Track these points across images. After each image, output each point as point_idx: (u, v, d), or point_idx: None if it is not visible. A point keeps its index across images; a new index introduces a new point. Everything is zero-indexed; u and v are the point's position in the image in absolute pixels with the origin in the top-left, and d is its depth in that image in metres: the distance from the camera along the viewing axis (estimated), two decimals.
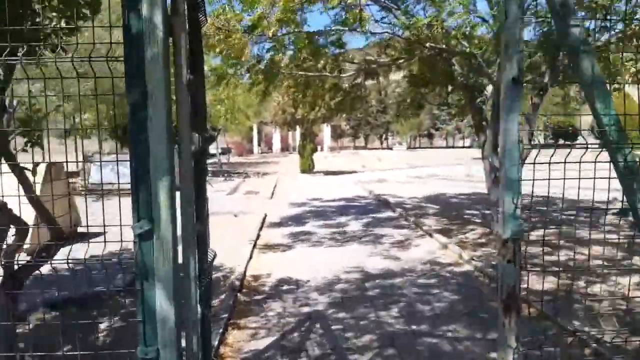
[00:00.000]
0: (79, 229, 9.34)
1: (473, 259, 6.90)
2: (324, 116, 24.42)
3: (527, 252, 2.21)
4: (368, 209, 12.27)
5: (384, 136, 65.12)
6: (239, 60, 7.59)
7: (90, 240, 2.12)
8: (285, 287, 5.92)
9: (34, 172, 4.53)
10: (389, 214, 11.53)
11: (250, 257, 7.28)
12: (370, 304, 5.30)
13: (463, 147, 60.94)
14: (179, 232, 1.87)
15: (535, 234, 8.15)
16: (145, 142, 1.71)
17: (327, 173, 24.25)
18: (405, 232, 9.35)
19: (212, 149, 33.39)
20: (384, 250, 7.80)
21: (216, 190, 16.74)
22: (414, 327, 4.68)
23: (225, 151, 37.48)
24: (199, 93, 2.35)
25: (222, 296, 5.42)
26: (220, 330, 4.33)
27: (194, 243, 2.26)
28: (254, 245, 8.11)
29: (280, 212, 11.92)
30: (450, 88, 10.62)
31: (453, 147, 61.75)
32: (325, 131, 51.48)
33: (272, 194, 15.49)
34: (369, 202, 13.57)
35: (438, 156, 39.52)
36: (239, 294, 5.55)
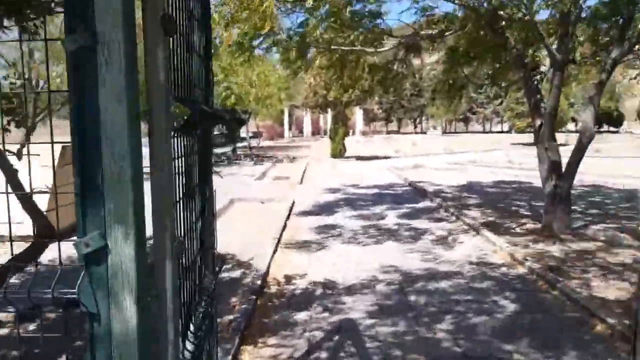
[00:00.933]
0: None
1: (527, 259, 6.02)
2: (357, 98, 23.47)
3: None
4: (404, 198, 11.41)
5: (417, 120, 63.44)
6: (265, 32, 6.79)
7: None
8: (313, 291, 5.21)
9: (18, 156, 3.93)
10: (426, 204, 10.64)
11: (275, 252, 6.59)
12: (413, 314, 4.52)
13: (501, 131, 58.67)
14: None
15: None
16: (93, 112, 1.01)
17: (359, 158, 23.38)
18: (447, 225, 8.48)
19: (243, 132, 32.95)
20: (424, 248, 6.97)
21: (245, 174, 16.19)
22: (467, 345, 3.89)
23: (256, 135, 37.03)
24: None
25: (237, 300, 4.75)
26: (232, 350, 3.65)
27: (172, 266, 1.50)
28: (280, 238, 7.43)
29: (309, 199, 11.21)
30: (497, 66, 9.58)
31: (490, 131, 59.52)
32: (358, 115, 50.35)
33: (302, 179, 14.80)
34: (405, 190, 12.69)
35: (475, 141, 37.91)
36: (259, 299, 4.87)
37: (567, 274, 5.64)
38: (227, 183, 14.15)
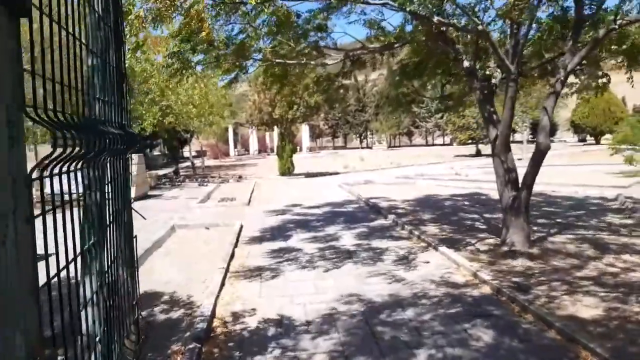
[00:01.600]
0: None
1: (492, 278, 5.68)
2: (303, 115, 23.13)
3: None
4: (358, 216, 10.99)
5: (362, 135, 64.26)
6: (203, 38, 6.17)
7: None
8: (266, 331, 4.57)
9: None
10: (381, 221, 10.27)
11: (222, 285, 5.90)
12: (382, 354, 4.00)
13: (443, 144, 60.45)
14: None
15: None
16: None
17: (308, 175, 22.93)
18: (405, 244, 8.09)
19: (186, 152, 31.65)
20: (385, 270, 6.51)
21: (188, 197, 15.25)
22: None
23: (200, 154, 35.79)
24: None
25: (177, 349, 4.02)
26: None
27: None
28: (227, 268, 6.73)
29: (258, 223, 10.54)
30: (448, 78, 9.45)
31: (433, 144, 61.19)
32: (304, 131, 50.16)
33: (250, 200, 14.08)
34: (358, 208, 12.30)
35: (420, 155, 38.63)
36: (204, 346, 4.17)
37: (536, 292, 5.35)
38: (169, 207, 13.20)
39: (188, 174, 26.54)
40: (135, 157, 15.40)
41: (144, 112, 18.22)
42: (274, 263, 7.07)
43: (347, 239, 8.55)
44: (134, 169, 15.05)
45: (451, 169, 23.60)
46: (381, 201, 12.92)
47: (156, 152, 43.64)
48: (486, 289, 5.59)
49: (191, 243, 8.70)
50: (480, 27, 5.88)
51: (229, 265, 6.90)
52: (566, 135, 61.40)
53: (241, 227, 9.88)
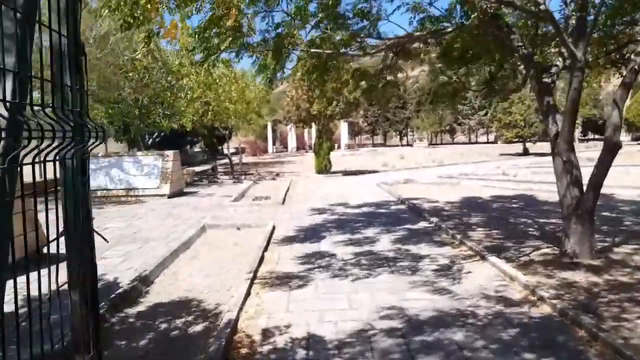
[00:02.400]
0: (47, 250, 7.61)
1: (552, 296, 4.91)
2: (342, 111, 22.51)
3: None
4: (398, 218, 10.30)
5: (403, 132, 62.92)
6: (229, 25, 5.67)
7: None
8: (294, 352, 4.02)
9: None
10: (423, 224, 9.54)
11: (247, 295, 5.40)
12: None
13: (487, 142, 58.34)
14: None
15: None
16: None
17: (345, 173, 22.30)
18: (449, 250, 7.37)
19: (225, 149, 31.69)
20: (427, 281, 5.84)
21: (222, 195, 14.96)
22: None
23: (238, 151, 35.84)
24: None
25: None
26: None
27: None
28: (255, 274, 6.23)
29: (292, 223, 10.04)
30: (501, 67, 8.59)
31: (476, 142, 59.16)
32: (343, 128, 49.50)
33: (284, 199, 13.61)
34: (398, 209, 11.58)
35: (463, 153, 37.22)
36: None
37: (605, 314, 4.56)
38: (203, 205, 12.92)
39: (226, 170, 26.48)
40: (170, 154, 15.28)
41: (183, 108, 18.12)
42: (305, 270, 6.52)
43: (385, 243, 7.90)
44: (169, 165, 14.91)
45: (497, 168, 22.39)
46: (423, 202, 12.16)
47: (197, 149, 44.18)
48: (546, 309, 4.83)
49: (220, 245, 8.28)
50: (542, 7, 5.09)
51: (256, 271, 6.40)
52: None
53: (273, 228, 9.40)
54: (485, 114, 54.51)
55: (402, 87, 61.11)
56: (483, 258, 6.73)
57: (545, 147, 37.65)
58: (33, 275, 1.54)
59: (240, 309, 4.92)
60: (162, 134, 21.10)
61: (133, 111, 17.87)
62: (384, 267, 6.47)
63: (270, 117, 42.01)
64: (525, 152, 33.87)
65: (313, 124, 24.39)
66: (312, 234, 8.90)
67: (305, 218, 10.63)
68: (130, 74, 17.01)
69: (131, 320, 4.87)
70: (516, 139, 33.95)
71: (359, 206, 12.07)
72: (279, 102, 39.24)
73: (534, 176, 17.81)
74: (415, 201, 12.26)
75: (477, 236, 8.11)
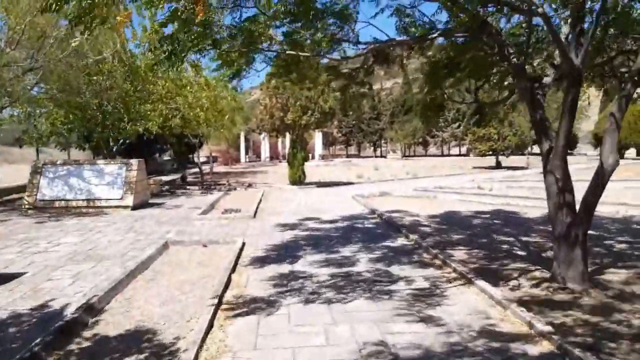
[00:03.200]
0: None
1: (550, 330, 4.42)
2: (317, 121, 22.04)
3: None
4: (375, 234, 9.75)
5: (377, 144, 63.00)
6: (198, 21, 5.03)
7: None
8: None
9: None
10: (402, 241, 9.02)
11: (209, 329, 4.71)
12: None
13: (459, 154, 58.91)
14: None
15: None
16: None
17: (320, 184, 21.73)
18: (432, 272, 6.84)
19: (195, 157, 30.70)
20: (410, 309, 5.28)
21: (190, 207, 14.15)
22: None
23: (209, 160, 34.86)
24: None
25: None
26: None
27: None
28: (219, 301, 5.55)
29: (264, 239, 9.37)
30: (491, 77, 8.20)
31: (449, 155, 59.66)
32: (317, 138, 49.05)
33: (256, 212, 12.91)
34: (375, 224, 11.04)
35: (436, 165, 37.25)
36: None
37: (612, 353, 4.09)
38: (168, 218, 12.11)
39: (196, 180, 25.54)
40: (134, 162, 14.41)
41: (149, 111, 17.22)
42: (277, 294, 5.87)
43: (364, 263, 7.32)
44: (133, 174, 14.03)
45: (472, 181, 22.24)
46: (400, 216, 11.68)
47: (166, 157, 42.85)
48: (546, 346, 4.32)
49: (184, 264, 7.54)
50: (540, 10, 4.65)
51: (222, 296, 5.72)
52: (586, 148, 59.41)
53: (243, 245, 8.71)
54: (458, 127, 55.08)
55: (376, 97, 61.38)
56: (470, 282, 6.23)
57: (517, 160, 38.14)
58: None
59: (200, 346, 4.24)
60: (127, 141, 20.09)
61: (96, 116, 16.87)
62: (364, 292, 5.88)
63: (244, 125, 41.19)
64: (498, 165, 34.08)
65: (287, 134, 23.77)
66: (284, 252, 8.25)
67: (278, 234, 9.97)
68: (95, 78, 16.08)
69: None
70: (489, 152, 34.14)
71: (335, 221, 11.49)
72: (252, 111, 38.49)
73: (509, 190, 17.63)
74: (392, 215, 11.76)
75: (460, 255, 7.63)
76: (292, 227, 10.74)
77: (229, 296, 5.86)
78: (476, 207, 13.52)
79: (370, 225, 10.83)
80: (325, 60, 7.81)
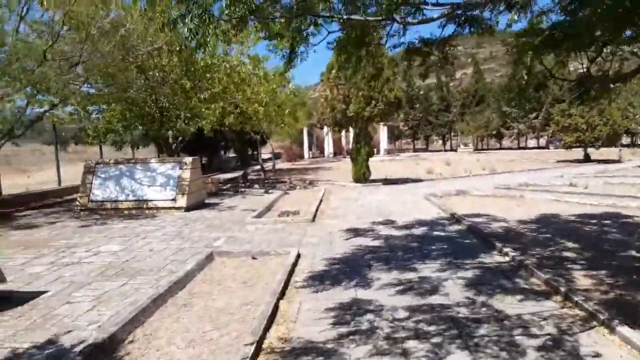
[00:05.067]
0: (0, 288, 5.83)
1: None
2: (381, 113, 20.27)
3: None
4: (458, 246, 7.98)
5: (446, 137, 59.81)
6: None
7: None
8: None
9: None
10: (496, 258, 7.18)
11: None
12: None
13: (537, 147, 54.47)
14: None
15: None
16: None
17: (386, 182, 19.99)
18: (547, 307, 5.03)
19: (258, 154, 30.00)
20: None
21: (245, 208, 13.02)
22: None
23: (272, 157, 34.11)
24: None
25: None
26: None
27: None
28: (258, 346, 4.15)
29: (322, 250, 7.92)
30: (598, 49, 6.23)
31: (525, 147, 55.32)
32: (382, 132, 47.07)
33: (315, 214, 11.49)
34: (456, 232, 9.22)
35: (514, 159, 34.11)
36: None
37: None
38: (220, 221, 11.01)
39: (258, 177, 24.68)
40: (189, 161, 13.51)
41: (204, 109, 16.35)
42: (336, 339, 4.36)
43: (453, 290, 5.62)
44: (186, 174, 13.12)
45: (560, 177, 19.55)
46: (485, 222, 9.78)
47: (231, 154, 42.75)
48: None
49: (226, 283, 6.25)
50: None
51: (262, 339, 4.32)
52: None
53: (297, 257, 7.32)
54: (536, 117, 50.84)
55: (444, 88, 58.18)
56: (606, 326, 4.39)
57: (607, 153, 33.91)
58: None
59: None
60: (186, 139, 19.50)
61: (152, 113, 16.25)
62: (463, 344, 4.22)
63: (307, 121, 40.10)
64: (587, 159, 30.46)
65: (350, 128, 22.22)
66: (346, 269, 6.74)
67: (339, 242, 8.48)
68: (151, 73, 15.42)
69: None
70: (576, 144, 30.60)
71: (407, 226, 9.80)
72: (315, 107, 37.28)
73: (609, 188, 15.00)
74: (475, 220, 9.88)
75: (581, 280, 5.74)
76: (356, 233, 9.20)
77: (272, 337, 4.44)
78: (577, 209, 11.27)
79: (450, 233, 9.04)
80: (395, 26, 6.15)
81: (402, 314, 4.89)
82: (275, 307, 5.13)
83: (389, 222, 10.30)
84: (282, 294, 5.59)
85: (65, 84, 10.57)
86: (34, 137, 21.42)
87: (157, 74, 15.43)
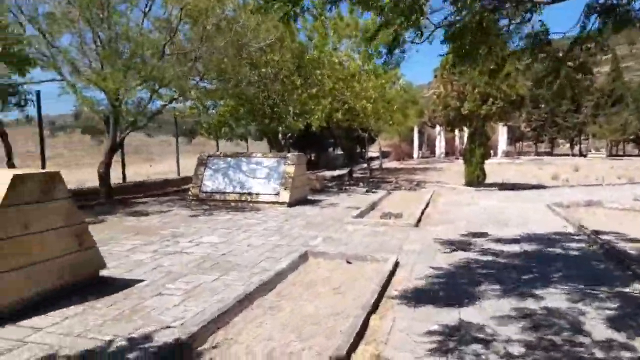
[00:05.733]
0: (103, 273, 6.07)
1: None
2: (500, 111, 18.62)
3: None
4: (589, 269, 6.73)
5: (575, 140, 54.13)
6: None
7: None
8: None
9: None
10: (637, 287, 5.90)
11: None
12: None
13: None
14: None
15: None
16: None
17: (503, 186, 18.30)
18: None
19: (365, 152, 29.67)
20: None
21: (347, 206, 12.65)
22: None
23: (381, 155, 33.49)
24: None
25: None
26: None
27: None
28: None
29: (423, 260, 7.20)
30: None
31: None
32: (501, 132, 43.95)
33: (420, 218, 10.70)
34: (585, 251, 7.88)
35: None
36: None
37: None
38: (321, 219, 10.78)
39: (363, 176, 24.29)
40: (293, 157, 13.50)
41: (313, 106, 16.32)
42: None
43: (580, 324, 4.61)
44: (291, 169, 13.11)
45: None
46: (623, 241, 8.24)
47: (339, 151, 42.92)
48: None
49: (316, 288, 5.87)
50: None
51: (348, 356, 3.83)
52: None
53: (396, 265, 6.71)
54: None
55: (575, 87, 52.53)
56: None
57: None
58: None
59: None
60: (295, 135, 19.74)
61: (263, 109, 16.61)
62: None
63: (418, 119, 38.76)
64: None
65: (464, 127, 20.79)
66: (451, 285, 5.97)
67: (444, 253, 7.67)
68: (264, 70, 15.75)
69: None
70: None
71: (525, 240, 8.63)
72: (427, 104, 35.91)
73: None
74: (611, 239, 8.38)
75: None
76: (465, 244, 8.29)
77: (358, 359, 3.92)
78: None
79: (578, 252, 7.73)
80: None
81: (517, 348, 4.06)
82: (365, 323, 4.60)
83: (502, 234, 9.18)
84: (375, 307, 5.04)
85: (181, 78, 11.05)
86: (164, 129, 23.21)
87: (269, 70, 15.70)
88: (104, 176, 13.41)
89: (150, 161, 22.83)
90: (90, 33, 11.35)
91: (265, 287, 5.74)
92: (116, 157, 14.36)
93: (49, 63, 11.55)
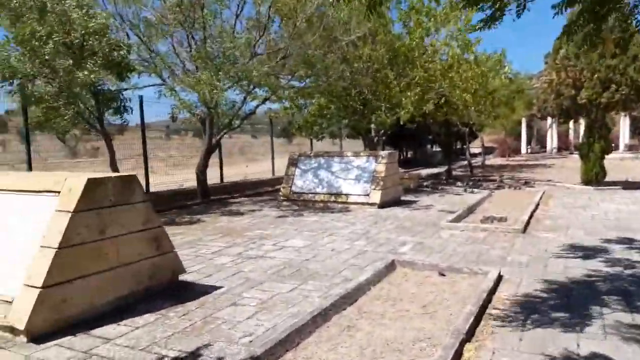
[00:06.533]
0: (184, 277, 5.99)
1: None
2: (624, 99, 16.22)
3: None
4: None
5: None
6: None
7: None
8: None
9: None
10: None
11: None
12: None
13: None
14: None
15: None
16: None
17: (627, 186, 15.92)
18: None
19: (467, 148, 27.97)
20: None
21: (441, 210, 11.69)
22: None
23: (486, 151, 31.35)
24: None
25: None
26: None
27: None
28: None
29: (532, 272, 6.18)
30: None
31: None
32: (623, 124, 39.04)
33: (528, 223, 9.47)
34: None
35: None
36: None
37: None
38: (413, 222, 10.03)
39: (464, 173, 22.81)
40: (384, 155, 12.86)
41: (404, 99, 15.45)
42: None
43: None
44: (381, 168, 12.47)
45: None
46: None
47: (438, 148, 41.11)
48: None
49: (402, 304, 5.21)
50: None
51: None
52: None
53: (498, 280, 5.81)
54: None
55: None
56: None
57: None
58: None
59: None
60: (388, 132, 18.98)
61: (354, 105, 16.10)
62: None
63: (526, 112, 35.71)
64: None
65: (580, 118, 18.48)
66: (566, 304, 4.97)
67: (557, 265, 6.56)
68: (356, 65, 15.24)
69: None
70: None
71: None
72: (536, 95, 32.85)
73: None
74: None
75: None
76: (582, 254, 7.06)
77: None
78: None
79: None
80: None
81: None
82: (458, 353, 3.88)
83: (631, 243, 7.73)
84: (471, 334, 4.28)
85: (270, 75, 10.95)
86: (268, 130, 23.72)
87: (361, 65, 15.15)
88: (201, 176, 13.83)
89: (254, 162, 23.46)
90: (185, 35, 11.71)
91: (345, 301, 5.22)
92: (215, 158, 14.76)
93: (150, 68, 12.12)
